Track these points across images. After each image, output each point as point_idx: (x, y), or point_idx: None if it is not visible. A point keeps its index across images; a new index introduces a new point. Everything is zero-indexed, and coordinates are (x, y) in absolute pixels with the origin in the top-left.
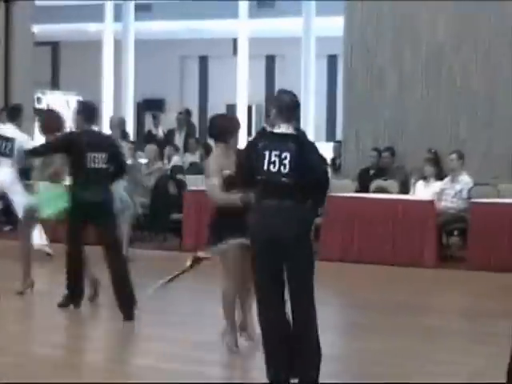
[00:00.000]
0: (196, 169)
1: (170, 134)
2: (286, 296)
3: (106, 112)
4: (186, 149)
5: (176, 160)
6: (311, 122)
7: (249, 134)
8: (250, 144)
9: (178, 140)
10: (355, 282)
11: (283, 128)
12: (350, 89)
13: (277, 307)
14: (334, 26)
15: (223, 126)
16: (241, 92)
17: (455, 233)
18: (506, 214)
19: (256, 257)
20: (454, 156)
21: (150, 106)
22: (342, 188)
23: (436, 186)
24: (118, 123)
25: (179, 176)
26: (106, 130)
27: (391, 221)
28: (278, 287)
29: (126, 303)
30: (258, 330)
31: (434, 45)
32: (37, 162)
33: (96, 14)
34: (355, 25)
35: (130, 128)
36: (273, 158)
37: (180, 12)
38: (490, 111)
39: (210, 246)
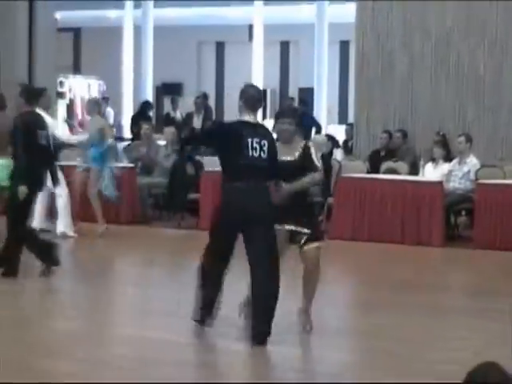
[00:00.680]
0: (212, 150)
1: (188, 118)
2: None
3: (126, 95)
4: None
5: None
6: (324, 106)
7: (264, 117)
8: (231, 129)
9: (196, 123)
10: (365, 260)
11: (250, 118)
12: (362, 73)
13: (225, 261)
14: (346, 12)
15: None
16: (256, 77)
17: (462, 213)
18: (511, 194)
19: (224, 225)
20: (462, 139)
21: (168, 90)
22: (353, 169)
23: (444, 167)
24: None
25: (197, 157)
26: (127, 111)
27: (401, 201)
28: (231, 251)
29: None
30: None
31: (443, 31)
32: None
33: (116, 1)
34: (367, 11)
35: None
36: (254, 145)
37: None
38: (497, 95)
39: None
